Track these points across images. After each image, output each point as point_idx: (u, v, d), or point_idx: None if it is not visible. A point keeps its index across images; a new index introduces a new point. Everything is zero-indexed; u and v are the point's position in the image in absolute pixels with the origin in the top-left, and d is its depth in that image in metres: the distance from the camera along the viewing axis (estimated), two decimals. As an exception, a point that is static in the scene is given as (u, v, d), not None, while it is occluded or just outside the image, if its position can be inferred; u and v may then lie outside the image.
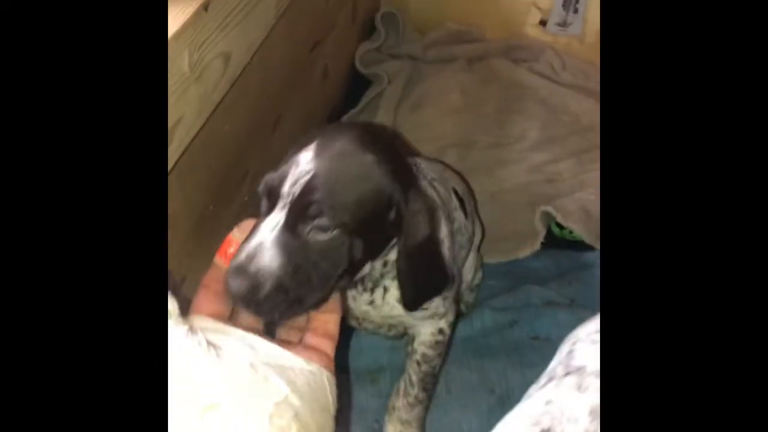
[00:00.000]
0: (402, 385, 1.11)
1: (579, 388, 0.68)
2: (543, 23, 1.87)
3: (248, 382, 0.51)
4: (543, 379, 0.75)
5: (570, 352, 0.74)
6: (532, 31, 1.89)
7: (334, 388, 0.58)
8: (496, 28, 1.89)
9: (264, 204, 0.77)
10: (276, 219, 0.73)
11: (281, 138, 1.31)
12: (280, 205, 0.73)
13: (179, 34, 0.81)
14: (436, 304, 1.00)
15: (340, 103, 1.68)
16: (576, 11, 1.83)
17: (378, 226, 0.78)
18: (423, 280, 0.87)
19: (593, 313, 0.83)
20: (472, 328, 1.28)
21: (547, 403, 0.69)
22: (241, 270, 0.69)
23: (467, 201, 1.19)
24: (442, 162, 1.28)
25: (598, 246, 1.40)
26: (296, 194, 0.73)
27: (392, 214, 0.79)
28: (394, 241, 0.83)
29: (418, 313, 0.99)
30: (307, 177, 0.73)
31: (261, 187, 0.77)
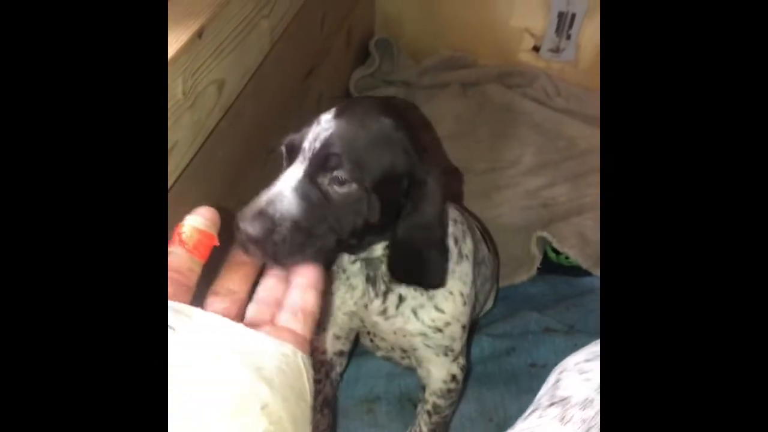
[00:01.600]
0: None
1: (562, 419, 0.67)
2: (536, 49, 1.88)
3: (205, 374, 0.45)
4: (529, 409, 0.74)
5: (556, 381, 0.73)
6: (526, 57, 1.90)
7: (311, 371, 0.50)
8: (490, 55, 1.90)
9: (285, 162, 0.79)
10: (296, 171, 0.74)
11: (276, 165, 1.29)
12: (299, 159, 0.75)
13: (173, 60, 0.80)
14: (453, 331, 0.96)
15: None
16: (569, 37, 1.84)
17: (392, 188, 0.78)
18: (416, 262, 0.83)
19: (592, 340, 0.81)
20: (470, 355, 1.26)
21: None
22: (260, 213, 0.70)
23: (488, 237, 1.19)
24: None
25: (595, 271, 1.39)
26: (316, 148, 0.74)
27: (405, 182, 0.79)
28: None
29: (434, 339, 0.96)
30: (327, 133, 0.75)
31: (283, 146, 0.79)
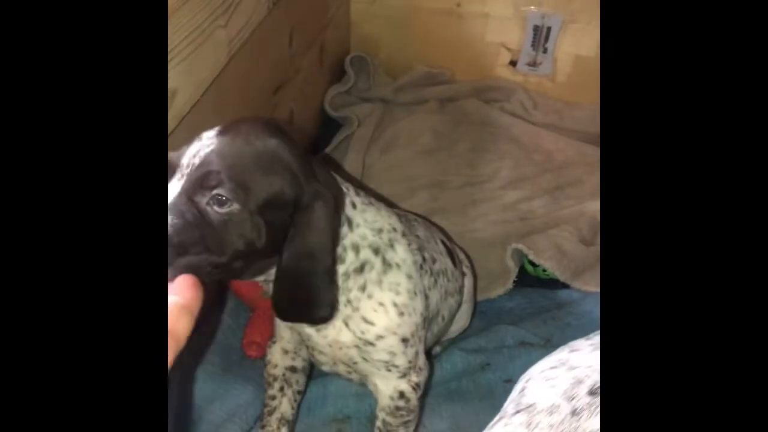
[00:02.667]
0: None
1: (529, 425, 0.64)
2: (513, 63, 1.87)
3: None
4: (495, 419, 0.71)
5: (522, 389, 0.71)
6: (503, 71, 1.89)
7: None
8: (467, 70, 1.90)
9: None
10: (172, 188, 0.70)
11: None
12: (177, 176, 0.71)
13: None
14: (388, 344, 0.89)
15: (307, 145, 1.66)
16: (545, 51, 1.84)
17: (279, 212, 0.73)
18: (301, 292, 0.78)
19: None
20: (442, 370, 1.22)
21: None
22: None
23: (456, 253, 1.15)
24: (428, 219, 1.26)
25: (572, 284, 1.36)
26: (195, 165, 0.70)
27: (291, 205, 0.74)
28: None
29: (369, 353, 0.90)
30: (208, 149, 0.71)
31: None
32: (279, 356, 1.03)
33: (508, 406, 0.72)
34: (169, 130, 0.95)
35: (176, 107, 0.95)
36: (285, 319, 0.84)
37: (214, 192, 0.69)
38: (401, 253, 0.90)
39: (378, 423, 0.99)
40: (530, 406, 0.67)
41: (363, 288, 0.86)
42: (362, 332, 0.88)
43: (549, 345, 1.27)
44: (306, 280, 0.77)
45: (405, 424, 0.98)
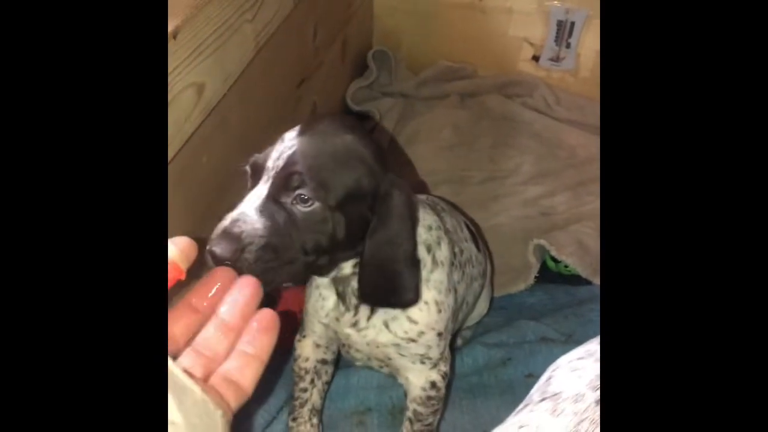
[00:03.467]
0: None
1: (554, 412, 0.64)
2: (536, 58, 1.87)
3: None
4: (520, 406, 0.72)
5: (548, 379, 0.72)
6: (525, 66, 1.88)
7: None
8: (489, 65, 1.89)
9: (249, 182, 0.79)
10: (260, 191, 0.75)
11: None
12: (263, 179, 0.75)
13: (145, 61, 0.79)
14: (428, 339, 0.93)
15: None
16: (568, 46, 1.83)
17: (357, 205, 0.77)
18: (386, 279, 0.81)
19: (591, 349, 0.79)
20: (463, 364, 1.23)
21: (521, 427, 0.66)
22: (225, 233, 0.71)
23: (478, 236, 1.16)
24: (451, 202, 1.25)
25: (594, 280, 1.35)
26: (279, 167, 0.75)
27: (370, 197, 0.78)
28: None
29: (408, 348, 0.93)
30: (290, 151, 0.75)
31: (247, 166, 0.80)
32: (310, 350, 1.05)
33: (534, 393, 0.72)
34: (198, 123, 0.97)
35: (204, 100, 0.96)
36: (371, 304, 0.88)
37: (297, 192, 0.74)
38: (445, 251, 0.92)
39: (409, 414, 1.01)
40: (556, 394, 0.68)
41: None
42: (405, 332, 0.91)
43: (570, 341, 1.26)
44: (390, 266, 0.81)
45: (434, 413, 1.01)
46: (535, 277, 1.37)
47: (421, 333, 0.92)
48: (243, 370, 0.53)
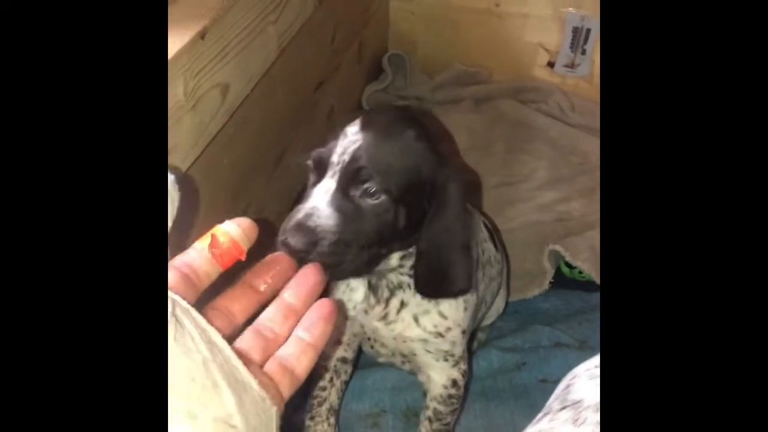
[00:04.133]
0: None
1: (575, 421, 0.64)
2: (551, 65, 1.87)
3: (195, 380, 0.43)
4: (539, 415, 0.72)
5: (567, 387, 0.71)
6: (540, 72, 1.88)
7: (278, 431, 0.48)
8: (504, 70, 1.89)
9: (313, 175, 0.82)
10: (328, 184, 0.77)
11: (284, 175, 1.29)
12: (329, 173, 0.78)
13: (174, 60, 0.80)
14: (453, 335, 0.95)
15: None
16: (584, 53, 1.83)
17: (417, 197, 0.81)
18: (440, 267, 0.84)
19: (605, 355, 0.79)
20: (478, 368, 1.23)
21: None
22: (300, 226, 0.74)
23: (496, 234, 1.18)
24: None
25: (609, 286, 1.35)
26: (346, 161, 0.77)
27: (428, 188, 0.82)
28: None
29: (435, 344, 0.95)
30: (355, 146, 0.78)
31: (310, 161, 0.82)
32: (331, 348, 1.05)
33: (553, 402, 0.72)
34: (221, 124, 0.97)
35: (228, 101, 0.97)
36: (427, 295, 0.90)
37: (365, 186, 0.77)
38: (475, 251, 0.95)
39: (428, 413, 1.02)
40: (577, 402, 0.67)
41: None
42: (435, 326, 0.94)
43: (584, 347, 1.27)
44: (445, 254, 0.84)
45: (452, 412, 1.03)
46: (550, 282, 1.37)
47: (449, 329, 0.94)
48: (299, 357, 0.52)
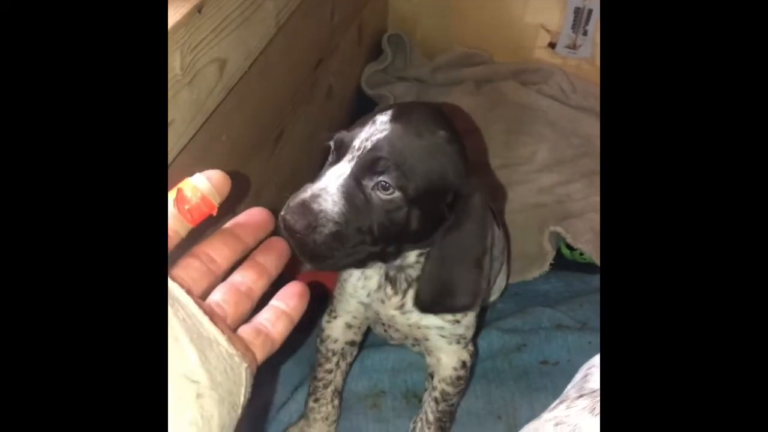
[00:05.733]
0: (418, 424, 1.05)
1: (592, 410, 0.63)
2: (552, 46, 1.85)
3: None
4: (555, 402, 0.71)
5: (585, 376, 0.71)
6: (541, 53, 1.86)
7: (249, 390, 0.47)
8: (505, 51, 1.87)
9: (332, 156, 0.79)
10: (343, 168, 0.75)
11: (283, 154, 1.28)
12: (348, 157, 0.75)
13: (171, 34, 0.78)
14: (469, 320, 0.95)
15: (345, 123, 1.65)
16: (585, 33, 1.81)
17: (435, 203, 0.78)
18: (446, 279, 0.82)
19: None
20: (479, 349, 1.22)
21: (557, 424, 0.65)
22: (304, 206, 0.72)
23: (498, 212, 1.17)
24: None
25: (610, 268, 1.34)
26: (367, 148, 0.74)
27: (450, 197, 0.79)
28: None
29: (451, 329, 0.95)
30: (381, 135, 0.75)
31: (332, 141, 0.79)
32: (340, 331, 1.04)
33: (570, 390, 0.71)
34: (219, 100, 0.96)
35: (226, 77, 0.95)
36: (424, 310, 0.87)
37: (380, 178, 0.74)
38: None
39: (435, 394, 1.01)
40: (594, 391, 0.67)
41: None
42: (453, 314, 0.93)
43: (585, 328, 1.26)
44: (455, 268, 0.81)
45: (459, 393, 1.03)
46: (550, 264, 1.36)
47: (465, 315, 0.94)
48: (275, 322, 0.52)
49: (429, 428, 1.03)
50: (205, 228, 0.53)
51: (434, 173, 0.76)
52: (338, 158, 0.77)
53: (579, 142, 1.69)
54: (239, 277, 0.53)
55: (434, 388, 1.01)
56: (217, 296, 0.51)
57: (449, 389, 1.01)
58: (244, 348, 0.49)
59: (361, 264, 0.82)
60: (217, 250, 0.52)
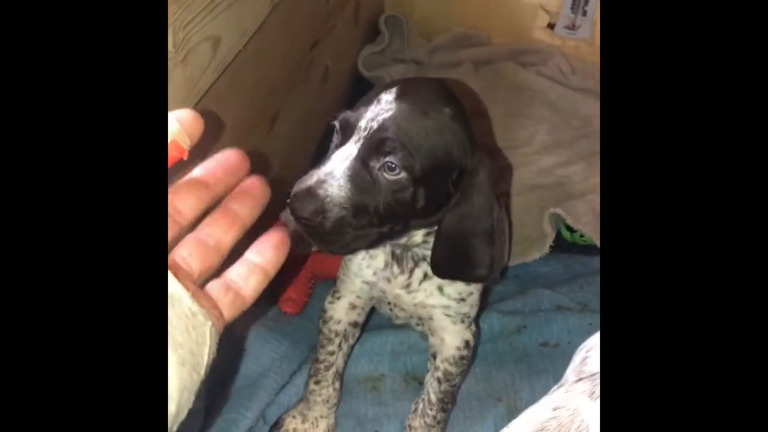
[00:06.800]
0: (420, 404, 1.04)
1: (592, 394, 0.62)
2: (551, 26, 1.82)
3: None
4: (555, 386, 0.70)
5: (583, 359, 0.70)
6: (540, 34, 1.84)
7: (214, 349, 0.44)
8: (503, 32, 1.85)
9: (337, 137, 0.79)
10: (349, 150, 0.75)
11: (278, 136, 1.26)
12: (354, 138, 0.75)
13: (162, 9, 0.76)
14: (474, 299, 0.95)
15: (341, 105, 1.64)
16: (585, 14, 1.78)
17: (441, 180, 0.78)
18: (461, 252, 0.82)
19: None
20: (479, 331, 1.21)
21: (555, 408, 0.64)
22: (310, 193, 0.72)
23: (501, 194, 1.17)
24: None
25: (610, 249, 1.33)
26: (373, 129, 0.74)
27: (455, 173, 0.79)
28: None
29: (457, 308, 0.95)
30: (386, 115, 0.74)
31: (337, 121, 0.79)
32: (344, 312, 1.03)
33: (570, 374, 0.70)
34: (212, 79, 0.94)
35: (219, 56, 0.94)
36: (443, 276, 0.88)
37: (387, 159, 0.73)
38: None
39: (438, 374, 1.01)
40: (594, 374, 0.66)
41: None
42: (459, 293, 0.93)
43: (586, 310, 1.25)
44: (467, 240, 0.81)
45: (461, 373, 1.02)
46: (550, 246, 1.35)
47: (471, 293, 0.94)
48: (247, 277, 0.49)
49: (431, 409, 1.02)
50: (176, 174, 0.49)
51: (440, 150, 0.76)
52: (344, 139, 0.77)
53: (578, 123, 1.67)
54: (208, 228, 0.49)
55: (437, 368, 1.00)
56: (182, 250, 0.47)
57: (452, 369, 1.00)
58: (211, 305, 0.46)
59: (371, 246, 0.82)
60: (183, 199, 0.47)
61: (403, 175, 0.74)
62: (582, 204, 1.39)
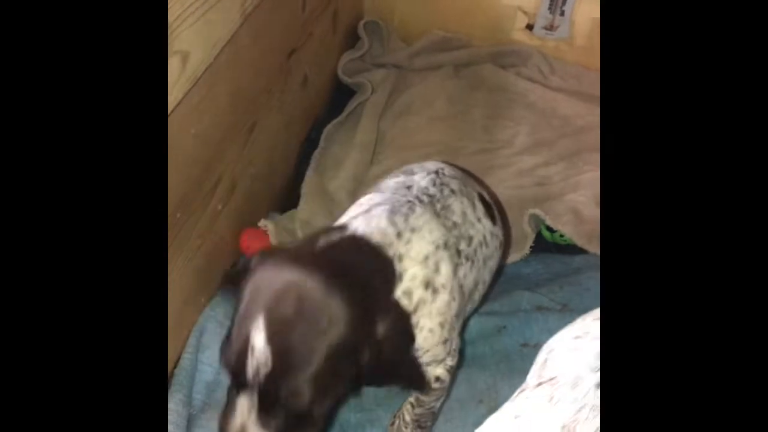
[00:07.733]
0: (396, 421, 1.04)
1: (551, 399, 0.62)
2: (530, 27, 1.84)
3: None
4: (518, 390, 0.70)
5: (544, 361, 0.70)
6: (519, 35, 1.85)
7: None
8: (483, 34, 1.86)
9: (231, 379, 0.77)
10: (251, 402, 0.74)
11: (258, 145, 1.27)
12: (248, 390, 0.74)
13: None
14: (436, 351, 0.92)
15: (322, 112, 1.64)
16: (563, 14, 1.80)
17: (348, 365, 0.76)
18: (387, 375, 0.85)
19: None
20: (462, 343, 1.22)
21: (516, 417, 0.64)
22: None
23: (494, 204, 1.13)
24: (462, 169, 1.21)
25: (590, 248, 1.34)
26: (262, 382, 0.72)
27: (358, 348, 0.77)
28: None
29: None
30: (268, 368, 0.72)
31: (223, 363, 0.77)
32: None
33: (531, 377, 0.70)
34: (184, 92, 0.95)
35: (189, 69, 0.94)
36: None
37: (290, 402, 0.73)
38: (444, 271, 0.90)
39: (411, 399, 1.00)
40: (553, 378, 0.65)
41: (416, 325, 0.88)
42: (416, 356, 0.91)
43: (566, 310, 1.26)
44: (389, 370, 0.85)
45: (437, 399, 1.00)
46: (530, 247, 1.36)
47: (426, 351, 0.91)
48: None
49: (406, 428, 1.02)
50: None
51: (336, 356, 0.74)
52: (237, 387, 0.76)
53: (559, 123, 1.68)
54: None
55: (410, 394, 0.99)
56: None
57: (424, 398, 0.98)
58: None
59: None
60: None
61: (310, 398, 0.74)
62: (561, 204, 1.40)
